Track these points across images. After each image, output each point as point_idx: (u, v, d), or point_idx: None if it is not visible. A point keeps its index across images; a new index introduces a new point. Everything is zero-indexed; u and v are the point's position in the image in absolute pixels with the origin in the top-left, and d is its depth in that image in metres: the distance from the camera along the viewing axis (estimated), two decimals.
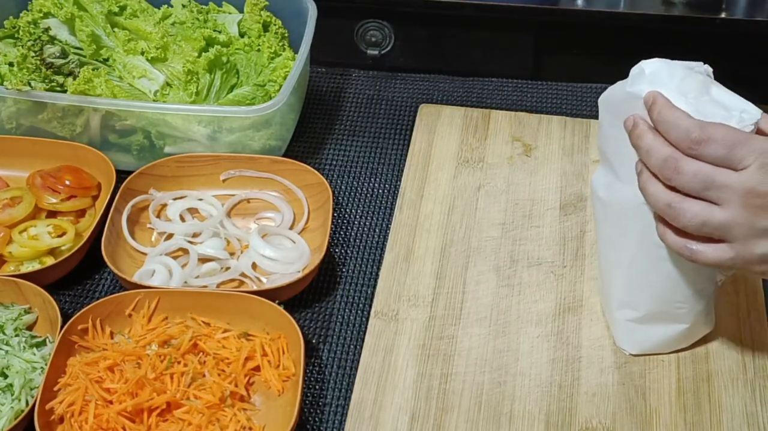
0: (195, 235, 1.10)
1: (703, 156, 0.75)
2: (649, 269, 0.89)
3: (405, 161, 1.20)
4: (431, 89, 1.34)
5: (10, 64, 1.17)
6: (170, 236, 1.10)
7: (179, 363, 0.94)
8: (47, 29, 1.21)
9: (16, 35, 1.22)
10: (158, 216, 1.13)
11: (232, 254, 1.09)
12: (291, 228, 1.12)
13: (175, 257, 1.07)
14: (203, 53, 1.19)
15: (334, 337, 1.02)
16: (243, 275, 1.06)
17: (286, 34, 1.27)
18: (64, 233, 1.08)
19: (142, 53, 1.19)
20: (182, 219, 1.13)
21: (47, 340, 0.97)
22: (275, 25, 1.27)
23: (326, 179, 1.13)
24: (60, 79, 1.16)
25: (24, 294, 1.00)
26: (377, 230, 1.14)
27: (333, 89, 1.35)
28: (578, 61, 1.54)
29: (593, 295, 1.03)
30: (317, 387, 0.97)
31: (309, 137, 1.27)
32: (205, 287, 1.04)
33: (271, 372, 0.95)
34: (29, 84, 1.13)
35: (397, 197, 1.16)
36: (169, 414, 0.91)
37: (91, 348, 0.96)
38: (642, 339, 0.96)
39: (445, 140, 1.23)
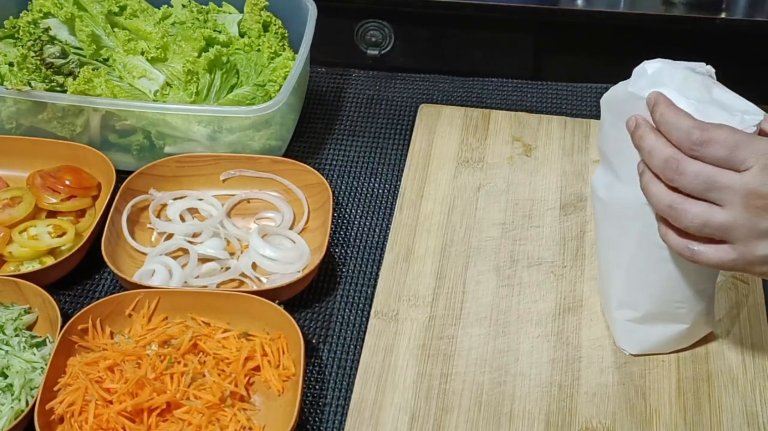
0: (195, 235, 1.10)
1: (705, 157, 0.75)
2: (648, 269, 0.89)
3: (405, 161, 1.20)
4: (431, 89, 1.34)
5: (10, 64, 1.17)
6: (170, 236, 1.10)
7: (179, 363, 0.94)
8: (47, 29, 1.21)
9: (16, 35, 1.22)
10: (158, 216, 1.13)
11: (232, 254, 1.09)
12: (291, 228, 1.12)
13: (175, 257, 1.07)
14: (203, 53, 1.19)
15: (334, 337, 1.02)
16: (243, 275, 1.06)
17: (286, 34, 1.27)
18: (64, 233, 1.08)
19: (142, 53, 1.19)
20: (182, 219, 1.13)
21: (47, 340, 0.97)
22: (275, 25, 1.27)
23: (326, 179, 1.13)
24: (60, 79, 1.16)
25: (24, 294, 1.00)
26: (377, 230, 1.14)
27: (333, 89, 1.35)
28: (578, 61, 1.54)
29: (593, 295, 1.03)
30: (317, 387, 0.97)
31: (309, 137, 1.27)
32: (205, 287, 1.04)
33: (271, 372, 0.95)
34: (29, 84, 1.13)
35: (397, 197, 1.16)
36: (169, 414, 0.91)
37: (91, 348, 0.96)
38: (642, 339, 0.96)
39: (445, 140, 1.23)
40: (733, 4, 1.44)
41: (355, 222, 1.15)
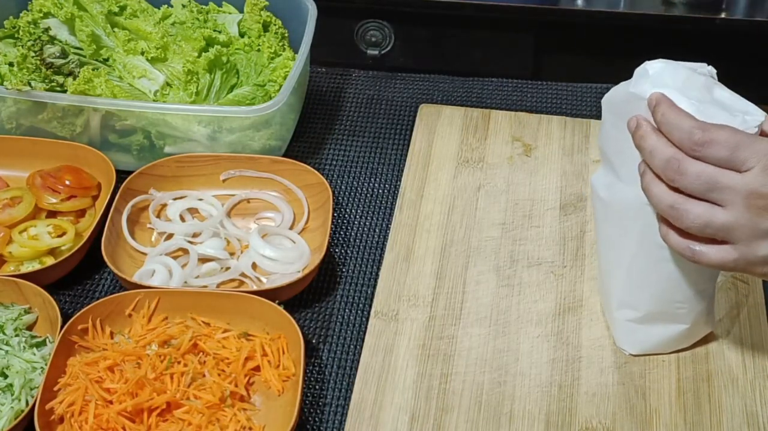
0: (195, 235, 1.10)
1: (706, 158, 0.75)
2: (649, 269, 0.89)
3: (405, 161, 1.20)
4: (431, 89, 1.34)
5: (10, 64, 1.17)
6: (170, 236, 1.10)
7: (179, 363, 0.94)
8: (47, 29, 1.21)
9: (16, 35, 1.22)
10: (158, 216, 1.13)
11: (232, 254, 1.09)
12: (291, 228, 1.12)
13: (175, 257, 1.07)
14: (203, 53, 1.19)
15: (334, 337, 1.02)
16: (243, 275, 1.06)
17: (286, 34, 1.27)
18: (64, 233, 1.08)
19: (142, 53, 1.19)
20: (182, 219, 1.13)
21: (47, 340, 0.97)
22: (275, 25, 1.27)
23: (326, 179, 1.13)
24: (60, 79, 1.16)
25: (24, 294, 1.00)
26: (377, 230, 1.14)
27: (333, 89, 1.35)
28: (578, 61, 1.54)
29: (593, 295, 1.03)
30: (317, 387, 0.97)
31: (309, 137, 1.27)
32: (205, 287, 1.04)
33: (271, 372, 0.95)
34: (29, 84, 1.13)
35: (397, 197, 1.16)
36: (169, 414, 0.91)
37: (91, 348, 0.96)
38: (642, 339, 0.96)
39: (445, 140, 1.23)
40: (733, 4, 1.44)
41: (355, 222, 1.15)
